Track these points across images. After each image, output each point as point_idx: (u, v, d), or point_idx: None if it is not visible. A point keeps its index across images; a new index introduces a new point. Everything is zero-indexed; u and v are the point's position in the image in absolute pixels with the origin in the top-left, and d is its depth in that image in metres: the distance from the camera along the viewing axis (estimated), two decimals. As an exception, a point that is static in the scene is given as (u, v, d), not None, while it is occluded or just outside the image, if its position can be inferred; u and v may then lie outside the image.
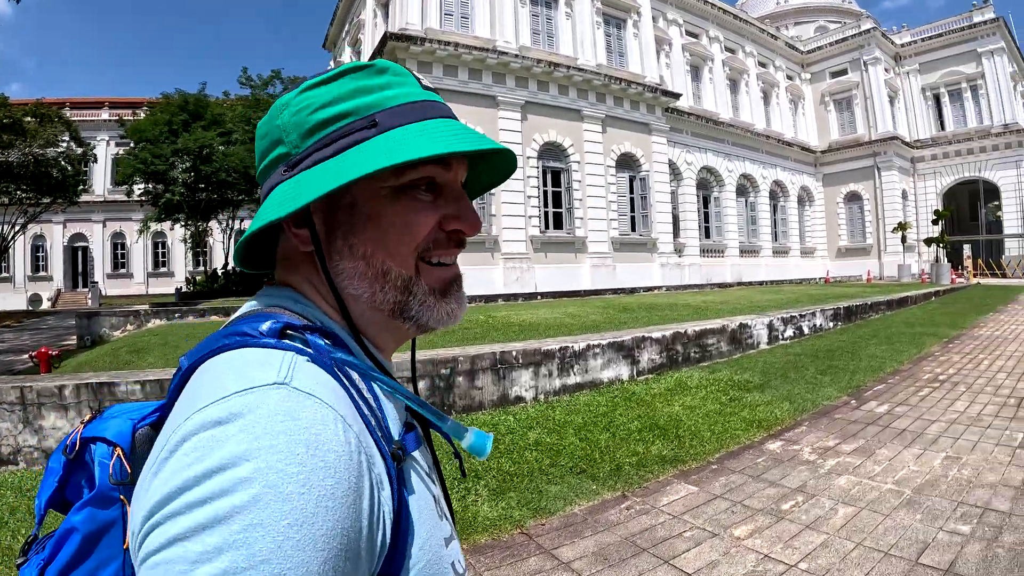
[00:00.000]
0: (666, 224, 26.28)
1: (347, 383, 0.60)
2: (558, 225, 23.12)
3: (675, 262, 26.37)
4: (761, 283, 29.49)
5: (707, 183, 32.48)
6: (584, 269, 22.79)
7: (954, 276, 29.62)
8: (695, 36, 34.63)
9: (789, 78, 42.77)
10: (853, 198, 41.30)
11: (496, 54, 21.52)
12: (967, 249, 37.11)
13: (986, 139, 40.48)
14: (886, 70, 42.52)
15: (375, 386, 0.65)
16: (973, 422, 5.34)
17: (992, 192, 41.76)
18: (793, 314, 10.22)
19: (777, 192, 38.36)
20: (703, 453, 4.76)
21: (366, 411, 0.59)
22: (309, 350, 0.60)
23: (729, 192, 33.06)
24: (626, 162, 25.36)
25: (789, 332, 9.96)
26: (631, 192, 25.45)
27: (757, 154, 35.95)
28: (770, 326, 9.53)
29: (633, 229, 25.26)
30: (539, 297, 19.57)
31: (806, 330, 10.32)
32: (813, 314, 10.67)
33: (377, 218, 0.69)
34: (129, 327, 14.54)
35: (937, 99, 43.78)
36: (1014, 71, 42.62)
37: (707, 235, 32.04)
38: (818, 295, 17.82)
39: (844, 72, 42.84)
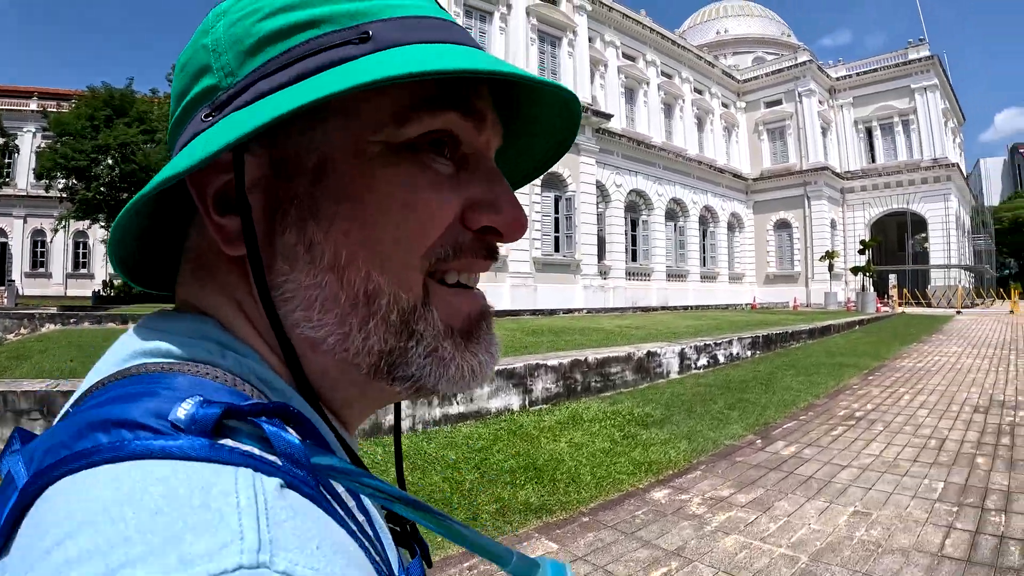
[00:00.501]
0: (591, 246, 26.60)
1: (338, 510, 0.36)
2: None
3: (599, 284, 26.71)
4: (687, 308, 30.04)
5: (636, 206, 33.05)
6: (504, 289, 22.85)
7: (879, 305, 30.62)
8: (632, 59, 35.38)
9: (724, 106, 44.07)
10: (783, 226, 42.73)
11: None
12: (893, 279, 38.75)
13: (915, 172, 42.68)
14: (820, 102, 44.29)
15: (363, 499, 0.41)
16: (889, 468, 4.84)
17: (920, 224, 43.85)
18: (708, 342, 9.96)
19: (707, 217, 39.36)
20: (577, 501, 4.13)
21: (376, 557, 0.37)
22: (275, 459, 0.34)
23: (658, 216, 33.71)
24: (552, 181, 25.61)
25: (703, 361, 9.69)
26: (556, 212, 25.71)
27: (688, 179, 36.81)
28: (682, 355, 9.24)
29: (557, 250, 25.48)
30: None
31: (722, 359, 10.09)
32: (730, 342, 10.48)
33: (361, 195, 0.43)
34: (23, 331, 14.04)
35: (869, 132, 45.97)
36: (945, 108, 45.14)
37: (634, 258, 32.56)
38: (741, 322, 17.87)
39: (779, 102, 44.45)
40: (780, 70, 44.58)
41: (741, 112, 45.91)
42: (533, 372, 6.85)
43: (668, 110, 38.02)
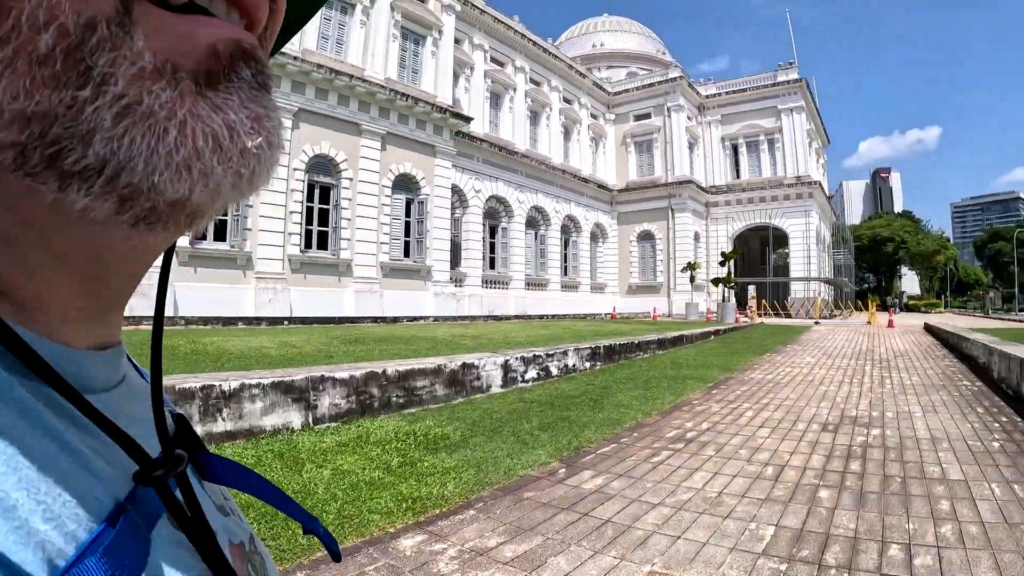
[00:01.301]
0: (443, 252, 26.60)
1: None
2: (323, 245, 22.58)
3: (450, 292, 26.69)
4: (546, 317, 30.58)
5: (496, 213, 33.37)
6: (348, 294, 22.40)
7: (739, 316, 31.80)
8: (500, 64, 35.73)
9: (593, 117, 45.40)
10: (646, 237, 44.51)
11: (293, 60, 21.09)
12: (752, 290, 40.87)
13: (779, 188, 45.74)
14: (689, 118, 46.61)
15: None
16: (710, 507, 3.92)
17: (782, 238, 47.01)
18: (539, 353, 9.34)
19: (570, 227, 40.32)
20: (303, 549, 3.22)
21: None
22: None
23: (519, 223, 34.19)
24: (405, 183, 25.44)
25: (532, 374, 9.09)
26: (408, 215, 25.52)
27: (552, 188, 37.61)
28: (506, 367, 8.58)
29: (407, 255, 25.27)
30: (287, 323, 18.84)
31: (555, 371, 9.56)
32: (565, 353, 9.93)
33: None
34: None
35: (735, 149, 48.89)
36: (810, 129, 48.84)
37: (492, 266, 32.88)
38: (590, 331, 17.90)
39: (648, 116, 46.43)
40: (651, 84, 46.48)
41: (610, 124, 47.43)
42: (318, 386, 6.13)
43: (535, 118, 38.68)
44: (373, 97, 24.03)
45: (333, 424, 6.13)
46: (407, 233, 25.49)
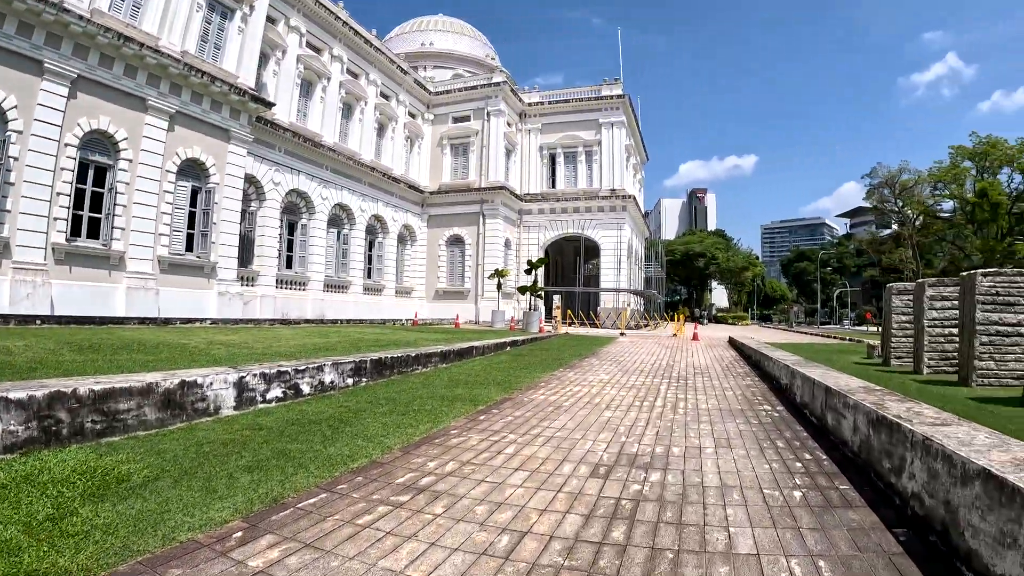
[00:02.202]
0: (231, 247, 25.67)
1: None
2: (95, 234, 20.94)
3: (237, 292, 25.77)
4: (340, 322, 30.10)
5: (296, 208, 32.62)
6: (119, 291, 20.97)
7: (543, 325, 32.41)
8: (317, 50, 34.95)
9: (412, 115, 45.53)
10: (456, 241, 45.37)
11: (55, 9, 18.97)
12: (557, 299, 42.28)
13: (593, 200, 48.23)
14: (508, 124, 48.00)
15: None
16: None
17: (594, 249, 49.45)
18: (285, 368, 8.42)
19: (376, 227, 40.24)
20: None
21: None
22: None
23: (320, 221, 33.64)
24: (193, 169, 24.26)
25: (276, 393, 8.15)
26: (193, 205, 24.32)
27: (359, 185, 37.39)
28: (241, 385, 7.58)
29: (190, 249, 24.07)
30: (39, 322, 17.01)
31: (307, 389, 8.65)
32: (320, 368, 9.01)
33: None
34: None
35: (553, 158, 50.90)
36: (629, 144, 52.12)
37: (289, 265, 32.13)
38: (373, 340, 17.08)
39: (467, 119, 47.27)
40: (473, 87, 47.39)
41: (428, 124, 47.77)
42: (-8, 408, 5.35)
43: (348, 111, 38.22)
44: (165, 70, 22.67)
45: (4, 457, 4.84)
46: (192, 225, 24.27)
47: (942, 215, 62.26)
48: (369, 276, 39.42)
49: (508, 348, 18.27)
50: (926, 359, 11.78)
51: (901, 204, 64.34)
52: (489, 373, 12.16)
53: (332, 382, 9.20)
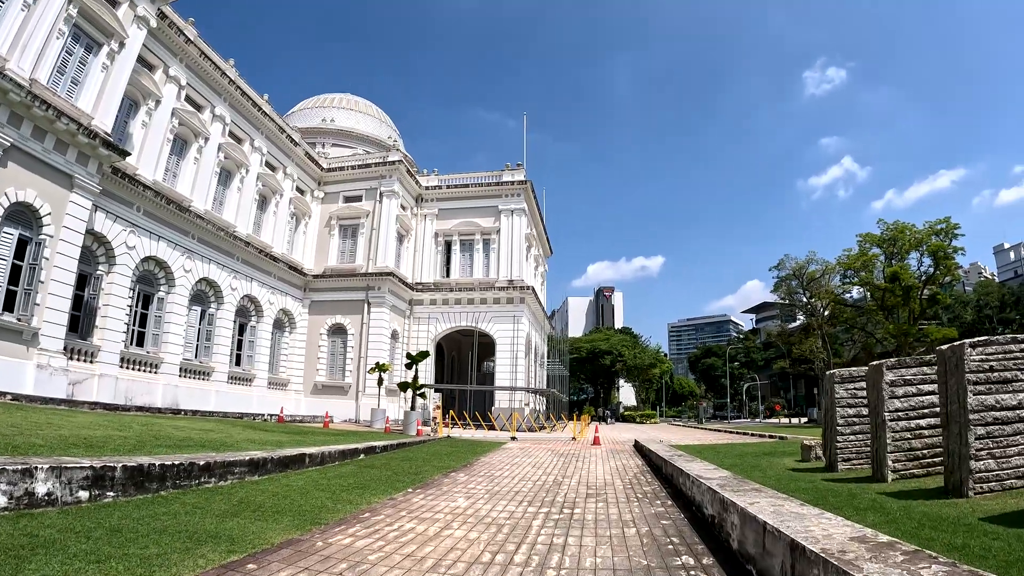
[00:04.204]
0: (61, 312, 22.20)
1: None
2: None
3: (61, 365, 22.13)
4: (197, 413, 26.71)
5: (153, 278, 29.55)
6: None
7: (420, 428, 29.70)
8: (197, 106, 32.84)
9: (300, 191, 43.66)
10: (338, 331, 42.74)
11: None
12: (437, 398, 39.64)
13: (489, 291, 46.44)
14: (403, 207, 46.65)
15: None
16: None
17: (490, 344, 47.21)
18: None
19: (249, 309, 37.32)
20: None
21: None
22: None
23: (181, 295, 30.54)
24: (23, 216, 21.12)
25: None
26: (20, 258, 21.06)
27: (231, 260, 34.67)
28: None
29: (10, 309, 20.66)
30: None
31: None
32: (28, 472, 6.34)
33: None
34: None
35: (448, 246, 49.46)
36: (530, 233, 51.13)
37: (140, 342, 28.64)
38: (179, 438, 13.77)
39: (359, 199, 45.82)
40: (367, 165, 46.21)
41: (318, 202, 45.88)
42: None
43: (227, 177, 35.89)
44: (5, 96, 19.90)
45: None
46: (14, 281, 20.95)
47: (850, 303, 64.32)
48: (238, 363, 36.00)
49: (361, 456, 15.50)
50: (890, 461, 10.02)
51: (809, 295, 66.21)
52: (304, 495, 9.35)
53: (47, 492, 6.51)
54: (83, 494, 6.82)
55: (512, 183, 48.26)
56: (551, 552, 6.24)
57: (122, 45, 25.33)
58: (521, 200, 48.23)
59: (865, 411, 11.51)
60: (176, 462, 8.57)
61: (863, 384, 11.73)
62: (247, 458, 10.31)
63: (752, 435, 33.29)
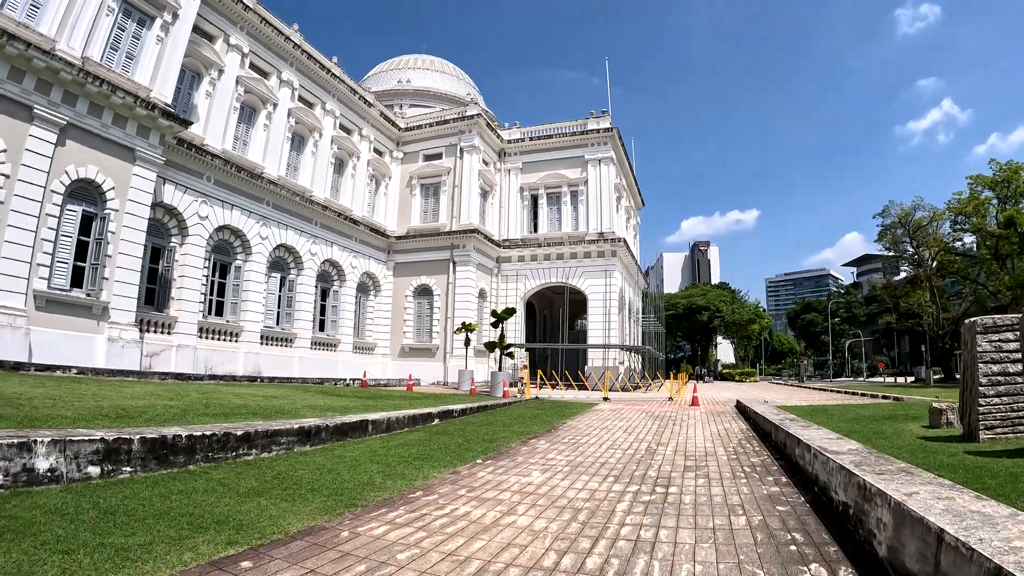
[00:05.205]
0: (130, 286, 22.68)
1: None
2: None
3: (133, 338, 22.69)
4: (276, 380, 27.04)
5: (228, 247, 30.01)
6: (-26, 328, 18.08)
7: (507, 389, 28.28)
8: (263, 73, 32.85)
9: (377, 152, 43.34)
10: (424, 292, 42.49)
11: None
12: (524, 358, 38.94)
13: (579, 245, 44.63)
14: (485, 163, 45.52)
15: None
16: None
17: (582, 301, 45.68)
18: None
19: (331, 273, 37.57)
20: None
21: None
22: None
23: (258, 263, 30.92)
24: (86, 192, 21.58)
25: None
26: (87, 234, 21.56)
27: (309, 225, 34.85)
28: None
29: (79, 285, 21.23)
30: None
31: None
32: (21, 447, 5.94)
33: None
34: None
35: (535, 200, 47.93)
36: (619, 183, 48.83)
37: (219, 312, 29.26)
38: (233, 405, 13.30)
39: (439, 156, 45.03)
40: (445, 121, 45.27)
41: (397, 163, 45.56)
42: None
43: (299, 142, 35.97)
44: (56, 76, 20.26)
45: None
46: (82, 257, 21.49)
47: (961, 252, 59.46)
48: (321, 328, 36.49)
49: (436, 421, 14.47)
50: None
51: (916, 244, 61.58)
52: (353, 468, 8.44)
53: (54, 468, 6.14)
54: (93, 470, 6.40)
55: (597, 131, 46.17)
56: (636, 554, 4.80)
57: (176, 16, 25.34)
58: (608, 148, 46.15)
59: (1013, 368, 9.66)
60: (207, 432, 7.99)
61: (1010, 335, 9.84)
62: (296, 426, 9.67)
63: (862, 395, 30.28)
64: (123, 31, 23.64)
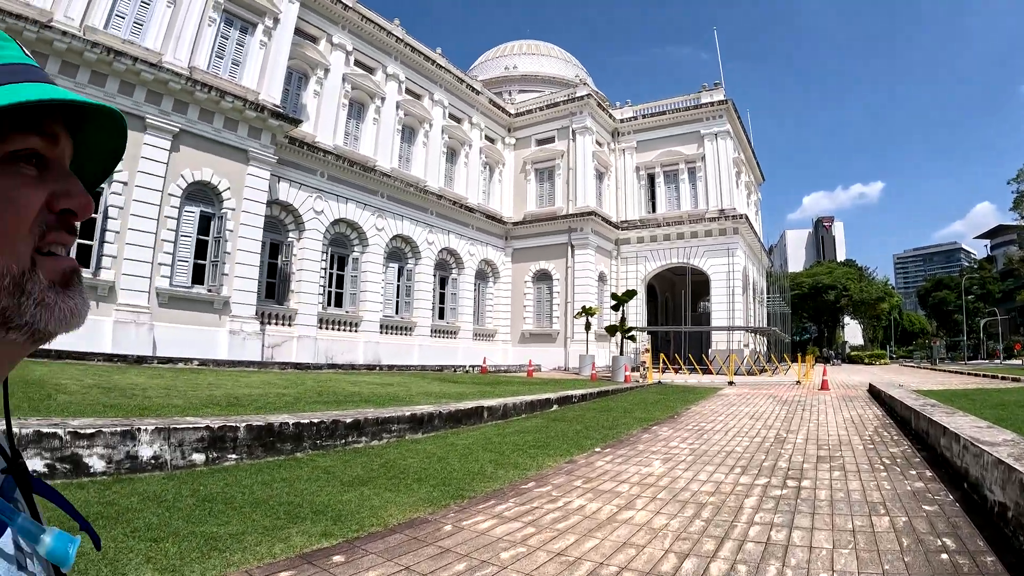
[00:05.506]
0: (249, 280, 23.59)
1: None
2: (84, 262, 19.35)
3: (254, 330, 23.55)
4: (393, 368, 27.58)
5: (345, 240, 30.68)
6: (106, 326, 19.18)
7: (628, 373, 27.16)
8: (369, 69, 33.46)
9: (489, 140, 43.36)
10: (543, 277, 42.02)
11: (62, 35, 18.86)
12: (646, 341, 37.94)
13: (699, 223, 42.58)
14: (599, 143, 44.50)
15: None
16: None
17: (704, 282, 43.76)
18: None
19: (449, 262, 37.86)
20: None
21: None
22: None
23: (376, 254, 31.50)
24: (203, 194, 22.61)
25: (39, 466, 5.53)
26: (206, 233, 22.56)
27: (424, 215, 35.20)
28: None
29: (200, 281, 22.25)
30: None
31: (99, 465, 5.87)
32: (126, 435, 6.11)
33: None
34: None
35: (652, 179, 46.15)
36: (738, 157, 46.33)
37: (339, 303, 30.02)
38: (346, 392, 13.37)
39: (551, 140, 44.37)
40: (555, 104, 44.56)
41: (510, 149, 45.41)
42: None
43: (409, 134, 36.38)
44: (165, 86, 21.30)
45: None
46: (202, 255, 22.52)
47: None
48: (441, 316, 36.89)
49: (554, 407, 14.11)
50: None
51: None
52: (464, 456, 8.17)
53: (151, 457, 6.19)
54: (198, 457, 6.50)
55: (711, 104, 43.78)
56: (766, 560, 4.23)
57: (276, 21, 26.13)
58: (724, 122, 43.77)
59: None
60: (315, 420, 7.99)
61: None
62: (408, 413, 9.56)
63: (1002, 378, 27.86)
64: (226, 39, 24.63)
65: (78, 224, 0.74)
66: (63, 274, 0.69)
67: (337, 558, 4.24)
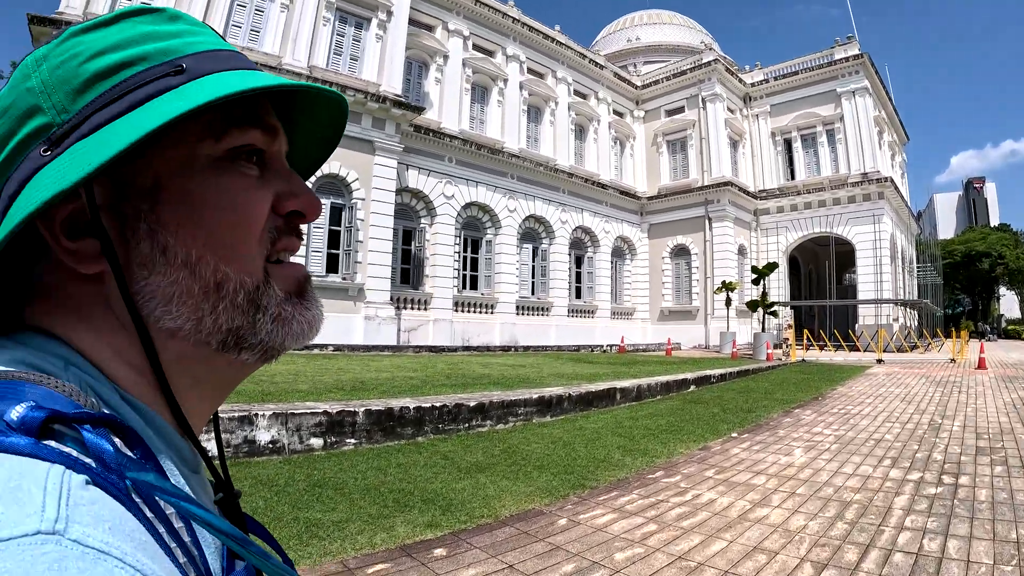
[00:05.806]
0: (382, 267, 23.97)
1: (149, 515, 0.43)
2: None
3: (389, 315, 23.83)
4: (531, 349, 27.40)
5: (477, 223, 30.67)
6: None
7: (770, 352, 25.63)
8: (488, 53, 33.33)
9: (618, 114, 42.32)
10: (681, 252, 40.40)
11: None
12: (788, 316, 35.76)
13: (841, 189, 39.69)
14: (730, 110, 42.32)
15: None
16: None
17: (849, 252, 40.91)
18: None
19: (584, 240, 37.14)
20: None
21: (181, 558, 0.45)
22: (89, 461, 0.41)
23: (509, 235, 31.33)
24: (332, 186, 23.12)
25: None
26: (337, 224, 23.07)
27: (557, 194, 34.69)
28: None
29: (334, 270, 22.83)
30: None
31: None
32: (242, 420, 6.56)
33: (197, 202, 0.54)
34: None
35: (788, 145, 43.38)
36: (878, 116, 42.75)
37: (473, 286, 30.07)
38: (477, 375, 13.20)
39: (681, 110, 42.59)
40: (681, 72, 42.64)
41: (639, 122, 44.14)
42: None
43: (535, 114, 35.99)
44: (285, 86, 22.00)
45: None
46: (334, 245, 23.08)
47: None
48: (578, 296, 36.25)
49: (691, 388, 13.55)
50: None
51: None
52: (591, 441, 7.77)
53: (268, 442, 6.33)
54: (316, 441, 6.56)
55: (846, 59, 40.25)
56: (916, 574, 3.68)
57: (390, 14, 26.46)
58: (861, 78, 40.14)
59: None
60: (436, 404, 7.83)
61: None
62: (535, 396, 9.25)
63: None
64: (342, 36, 25.21)
65: (304, 227, 0.68)
66: (297, 283, 0.63)
67: (438, 551, 4.01)
